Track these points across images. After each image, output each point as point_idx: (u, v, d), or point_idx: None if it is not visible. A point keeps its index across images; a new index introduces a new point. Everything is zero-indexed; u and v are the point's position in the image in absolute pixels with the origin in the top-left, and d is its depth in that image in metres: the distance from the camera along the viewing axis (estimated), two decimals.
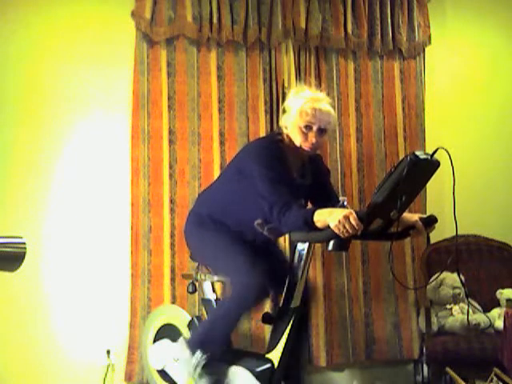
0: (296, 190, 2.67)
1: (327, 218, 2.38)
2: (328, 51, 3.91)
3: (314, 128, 2.63)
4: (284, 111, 2.75)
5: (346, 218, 2.32)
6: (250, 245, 2.71)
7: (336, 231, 2.34)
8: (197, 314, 3.32)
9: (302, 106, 2.64)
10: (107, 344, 3.55)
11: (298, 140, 2.66)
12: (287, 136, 2.71)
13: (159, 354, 2.94)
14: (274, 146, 2.68)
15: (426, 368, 3.80)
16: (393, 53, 4.02)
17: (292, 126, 2.67)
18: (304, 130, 2.64)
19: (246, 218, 2.65)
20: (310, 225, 2.42)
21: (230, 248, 2.67)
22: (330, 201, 2.78)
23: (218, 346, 2.65)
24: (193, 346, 2.63)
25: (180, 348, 2.70)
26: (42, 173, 3.55)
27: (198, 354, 2.59)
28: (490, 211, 4.15)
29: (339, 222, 2.32)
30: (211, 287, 2.95)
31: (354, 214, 2.34)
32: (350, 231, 2.33)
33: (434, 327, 3.58)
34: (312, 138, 2.64)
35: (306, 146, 2.66)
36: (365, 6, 3.94)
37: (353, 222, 2.32)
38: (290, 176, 2.70)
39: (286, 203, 2.48)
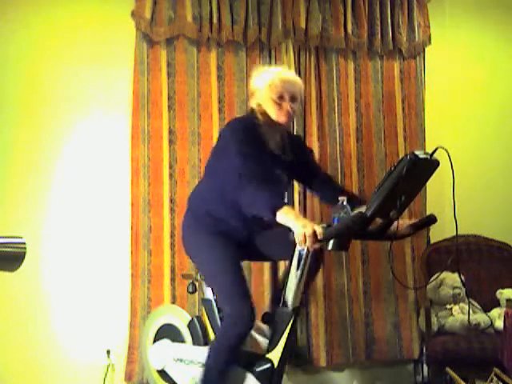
0: (277, 164, 2.70)
1: (293, 222, 2.36)
2: (328, 51, 3.91)
3: (287, 97, 2.69)
4: (252, 93, 2.78)
5: (310, 236, 2.31)
6: (244, 249, 2.73)
7: (297, 241, 2.35)
8: (197, 314, 3.31)
9: (271, 80, 2.70)
10: (107, 344, 3.55)
11: (273, 113, 2.69)
12: (261, 113, 2.72)
13: (159, 353, 2.94)
14: (249, 124, 2.71)
15: (426, 368, 3.80)
16: (393, 53, 4.03)
17: (265, 100, 2.71)
18: (278, 100, 2.68)
19: (237, 201, 2.62)
20: (273, 213, 2.39)
21: (224, 268, 2.67)
22: (317, 177, 2.85)
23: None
24: None
25: None
26: (42, 173, 3.56)
27: None
28: (490, 211, 4.16)
29: (303, 237, 2.32)
30: (211, 288, 2.95)
31: (318, 230, 2.32)
32: (310, 247, 2.35)
33: (434, 327, 3.58)
34: (286, 106, 2.69)
35: (282, 116, 2.69)
36: (365, 6, 3.94)
37: (312, 240, 2.32)
38: (270, 151, 2.70)
39: (262, 180, 2.48)
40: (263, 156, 2.63)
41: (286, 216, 2.39)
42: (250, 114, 2.80)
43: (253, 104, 2.77)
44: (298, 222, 2.36)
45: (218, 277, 2.71)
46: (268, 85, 2.69)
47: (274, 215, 2.40)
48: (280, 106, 2.69)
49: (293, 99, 2.71)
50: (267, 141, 2.71)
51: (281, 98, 2.68)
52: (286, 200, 2.80)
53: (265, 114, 2.71)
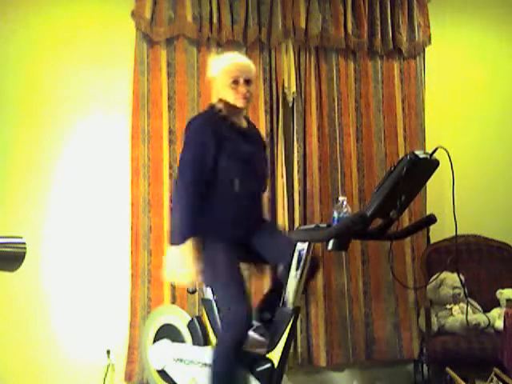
0: (245, 142, 2.78)
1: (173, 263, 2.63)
2: (328, 51, 3.91)
3: (241, 80, 2.77)
4: (210, 82, 2.86)
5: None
6: (242, 251, 2.74)
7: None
8: (197, 314, 3.31)
9: (224, 67, 2.79)
10: (107, 344, 3.55)
11: (230, 97, 2.77)
12: (221, 101, 2.79)
13: (159, 353, 2.94)
14: (204, 119, 2.80)
15: (426, 368, 3.80)
16: (393, 53, 4.03)
17: (221, 86, 2.79)
18: (233, 85, 2.76)
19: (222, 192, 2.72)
20: (178, 237, 2.63)
21: (221, 271, 2.69)
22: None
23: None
24: None
25: None
26: (42, 173, 3.56)
27: None
28: (490, 211, 4.16)
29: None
30: (211, 290, 2.95)
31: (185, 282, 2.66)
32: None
33: (434, 327, 3.58)
34: (242, 89, 2.77)
35: (239, 99, 2.77)
36: (365, 6, 3.94)
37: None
38: (236, 130, 2.79)
39: (191, 200, 2.63)
40: (221, 145, 2.70)
41: (177, 253, 2.62)
42: (208, 108, 2.87)
43: (214, 91, 2.84)
44: (176, 265, 2.62)
45: (215, 280, 2.73)
46: (222, 71, 2.78)
47: (177, 239, 2.62)
48: (236, 90, 2.76)
49: (247, 82, 2.79)
50: (230, 123, 2.78)
51: (236, 82, 2.76)
52: (267, 172, 2.98)
53: (225, 102, 2.79)
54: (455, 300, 3.63)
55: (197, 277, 2.63)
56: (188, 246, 2.61)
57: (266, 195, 3.00)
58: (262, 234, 2.82)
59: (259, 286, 3.64)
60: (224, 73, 2.77)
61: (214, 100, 2.83)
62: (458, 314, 3.58)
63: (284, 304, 2.67)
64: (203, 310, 2.92)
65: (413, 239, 3.89)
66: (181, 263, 2.60)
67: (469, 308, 3.50)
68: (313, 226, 2.68)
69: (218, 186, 2.72)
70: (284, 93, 3.80)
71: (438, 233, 3.85)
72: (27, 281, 3.42)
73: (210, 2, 3.67)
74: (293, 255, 2.65)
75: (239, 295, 2.64)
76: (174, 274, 2.64)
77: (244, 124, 2.88)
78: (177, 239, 2.63)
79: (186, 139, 2.77)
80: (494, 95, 4.31)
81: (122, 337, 3.56)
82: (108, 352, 3.55)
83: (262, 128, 3.72)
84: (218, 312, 2.83)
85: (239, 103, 2.77)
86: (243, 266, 2.81)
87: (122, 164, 3.65)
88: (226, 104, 2.78)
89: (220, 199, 2.73)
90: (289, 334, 2.63)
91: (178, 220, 2.66)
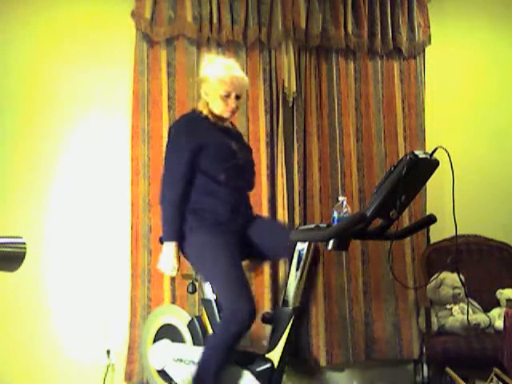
0: (229, 139, 2.81)
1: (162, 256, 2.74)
2: (328, 51, 3.91)
3: (233, 95, 2.78)
4: (201, 81, 2.86)
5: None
6: (242, 249, 2.74)
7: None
8: (197, 314, 3.31)
9: (221, 75, 2.78)
10: (107, 344, 3.56)
11: (219, 107, 2.79)
12: (207, 108, 2.82)
13: (159, 353, 2.94)
14: (189, 120, 2.83)
15: (426, 368, 3.80)
16: (393, 53, 4.03)
17: (212, 93, 2.79)
18: (224, 98, 2.78)
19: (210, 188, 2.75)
20: (163, 236, 2.76)
21: (224, 268, 2.68)
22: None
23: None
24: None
25: None
26: (42, 173, 3.56)
27: None
28: (490, 211, 4.15)
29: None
30: (211, 287, 2.95)
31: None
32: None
33: (434, 327, 3.58)
34: (232, 103, 2.79)
35: (227, 111, 2.79)
36: (365, 6, 3.94)
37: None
38: (219, 128, 2.82)
39: (172, 204, 2.71)
40: (204, 143, 2.72)
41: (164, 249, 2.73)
42: (190, 111, 2.90)
43: (202, 91, 2.84)
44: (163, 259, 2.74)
45: (218, 277, 2.70)
46: (217, 80, 2.77)
47: (163, 237, 2.76)
48: (226, 102, 2.78)
49: (238, 97, 2.81)
50: (212, 122, 2.80)
51: (227, 96, 2.77)
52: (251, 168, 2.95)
53: (210, 110, 2.80)
54: (455, 300, 3.64)
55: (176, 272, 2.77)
56: (172, 246, 2.72)
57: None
58: (257, 229, 2.82)
59: (259, 285, 3.66)
60: (218, 82, 2.76)
61: (200, 100, 2.84)
62: (458, 314, 3.58)
63: (284, 304, 2.67)
64: (203, 310, 2.92)
65: (413, 239, 3.89)
66: (166, 259, 2.73)
67: (469, 308, 3.50)
68: (313, 225, 2.68)
69: (206, 183, 2.73)
70: (284, 93, 3.80)
71: (438, 233, 3.85)
72: (27, 281, 3.42)
73: (210, 2, 3.67)
74: (293, 252, 2.65)
75: (244, 292, 2.61)
76: (162, 267, 2.76)
77: (227, 124, 2.89)
78: (164, 237, 2.76)
79: (168, 143, 2.81)
80: (493, 95, 4.31)
81: (122, 337, 3.57)
82: (108, 352, 3.55)
83: (262, 128, 3.73)
84: (218, 312, 2.83)
85: (226, 115, 2.80)
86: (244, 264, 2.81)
87: (122, 164, 3.65)
88: (211, 112, 2.80)
89: (210, 196, 2.73)
90: (289, 334, 2.63)
91: (163, 223, 2.77)
